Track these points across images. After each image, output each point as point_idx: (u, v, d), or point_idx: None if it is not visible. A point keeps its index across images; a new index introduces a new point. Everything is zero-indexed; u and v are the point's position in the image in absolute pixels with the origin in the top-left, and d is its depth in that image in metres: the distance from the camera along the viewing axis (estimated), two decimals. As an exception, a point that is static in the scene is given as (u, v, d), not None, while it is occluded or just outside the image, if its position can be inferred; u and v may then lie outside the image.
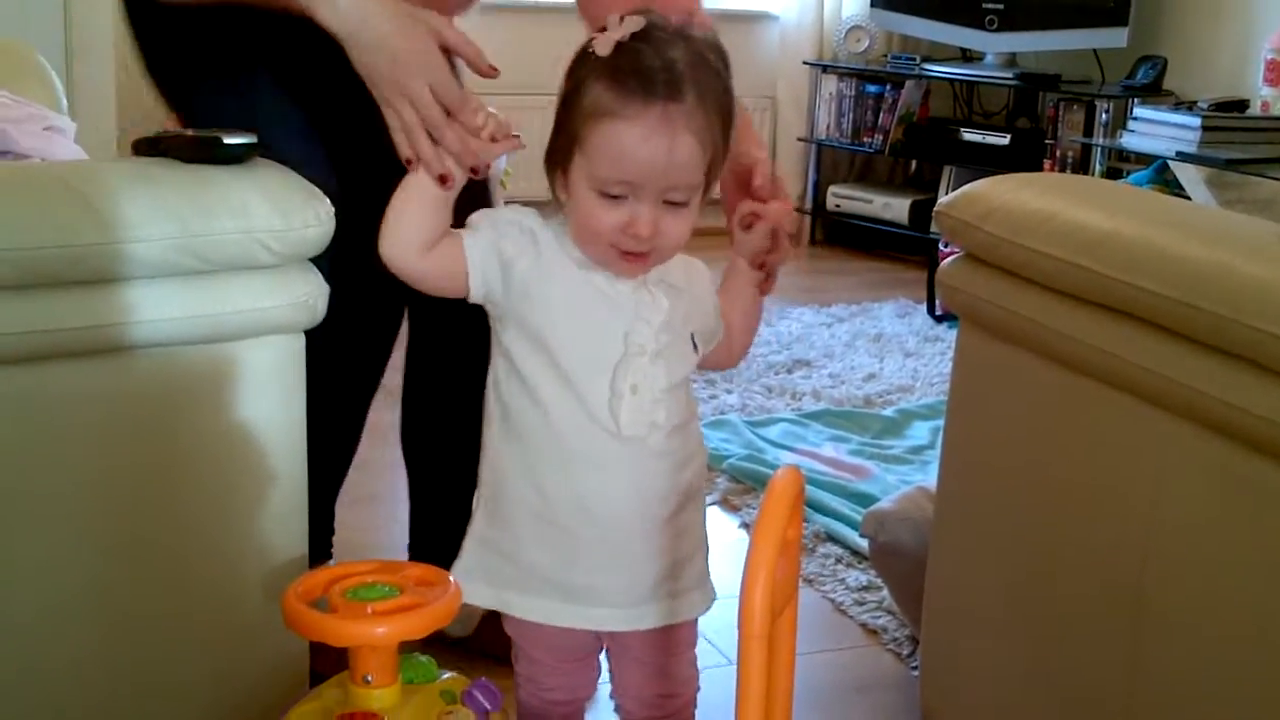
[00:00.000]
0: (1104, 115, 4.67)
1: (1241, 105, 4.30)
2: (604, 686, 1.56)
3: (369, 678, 1.32)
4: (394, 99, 1.46)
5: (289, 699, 1.38)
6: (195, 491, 1.59)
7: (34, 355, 1.47)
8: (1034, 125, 5.06)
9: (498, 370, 1.42)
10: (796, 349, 3.86)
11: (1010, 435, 1.74)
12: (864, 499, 2.67)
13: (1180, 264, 1.47)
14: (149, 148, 1.62)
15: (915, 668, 2.13)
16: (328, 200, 1.60)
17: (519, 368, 1.38)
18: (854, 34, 5.33)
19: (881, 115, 5.24)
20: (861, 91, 5.29)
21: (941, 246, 3.88)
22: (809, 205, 5.41)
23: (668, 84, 1.29)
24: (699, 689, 1.80)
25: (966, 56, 5.26)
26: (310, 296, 1.61)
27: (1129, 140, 4.38)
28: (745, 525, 2.68)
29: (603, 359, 1.36)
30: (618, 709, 1.54)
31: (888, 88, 5.23)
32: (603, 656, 1.53)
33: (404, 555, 2.21)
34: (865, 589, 2.44)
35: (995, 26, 4.95)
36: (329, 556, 2.15)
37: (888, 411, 3.40)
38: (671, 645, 1.47)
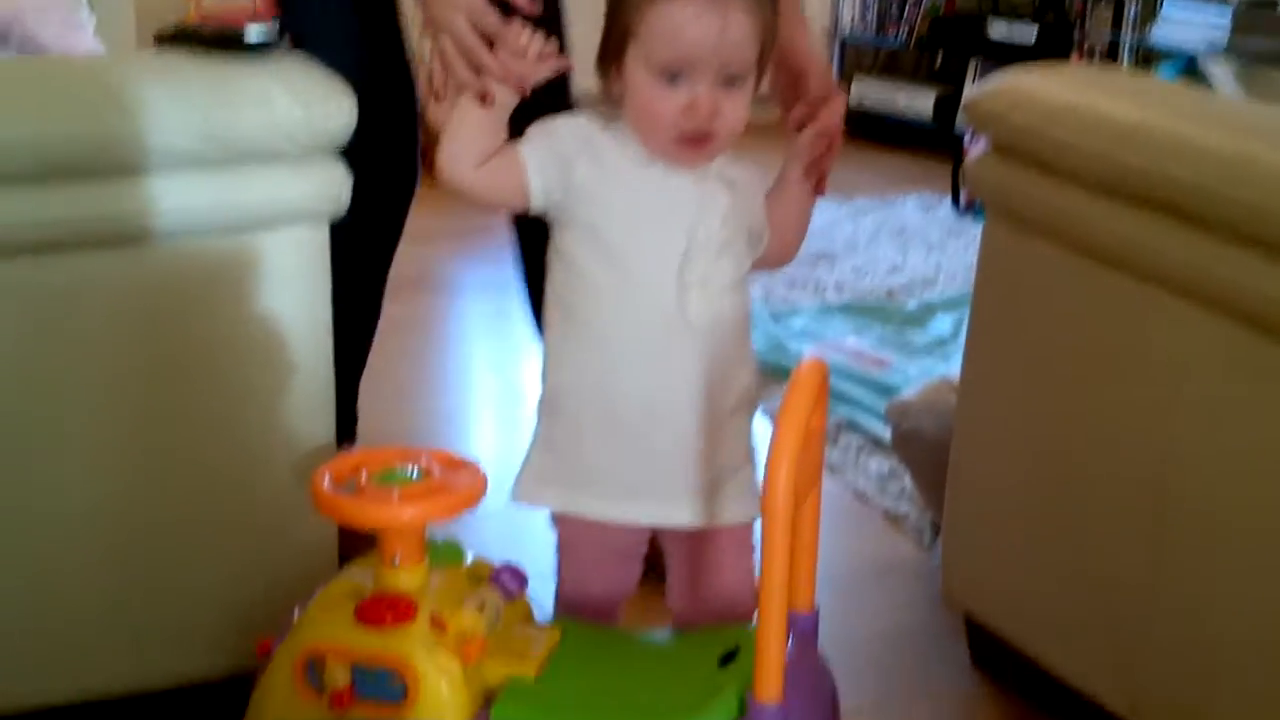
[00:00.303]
0: (1133, 9, 4.60)
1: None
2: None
3: (397, 560, 1.33)
4: (434, 32, 1.47)
5: (318, 582, 1.40)
6: (220, 382, 1.60)
7: (56, 246, 1.48)
8: (1062, 19, 4.98)
9: (556, 276, 1.42)
10: (820, 242, 3.85)
11: (1034, 325, 1.74)
12: (886, 390, 2.68)
13: (1208, 154, 1.47)
14: (171, 39, 1.61)
15: (936, 555, 2.15)
16: (350, 91, 1.60)
17: (582, 269, 1.39)
18: (881, -76, 5.25)
19: (907, 8, 5.17)
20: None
21: (966, 141, 3.86)
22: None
23: None
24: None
25: (994, -53, 5.18)
26: (333, 187, 1.61)
27: (1158, 34, 4.32)
28: (769, 415, 2.69)
29: (668, 254, 1.37)
30: (673, 616, 1.55)
31: (914, -21, 5.16)
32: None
33: (430, 442, 2.23)
34: (887, 477, 2.46)
35: (1024, -84, 4.87)
36: (352, 440, 2.17)
37: (910, 304, 3.40)
38: (721, 550, 1.48)
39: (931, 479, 2.07)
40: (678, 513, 1.44)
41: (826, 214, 4.16)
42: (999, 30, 4.97)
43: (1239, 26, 4.03)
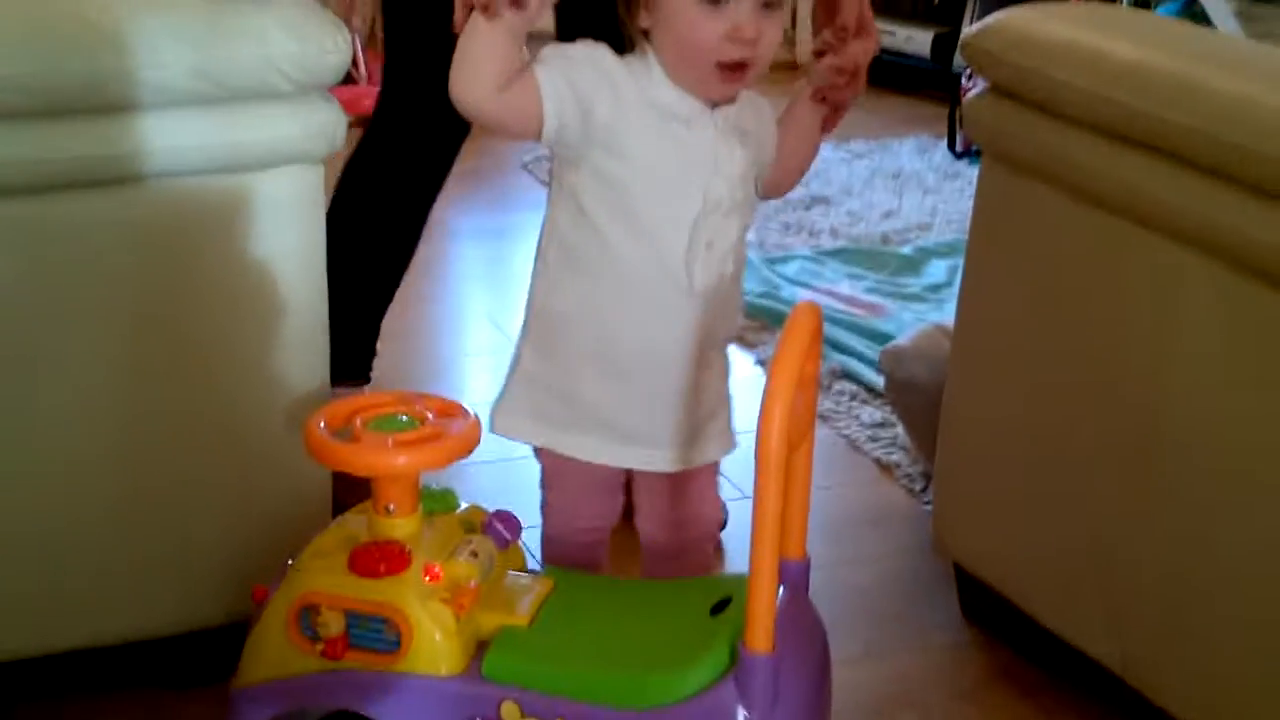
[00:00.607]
0: (1134, -56, 4.56)
1: (1275, -65, 4.19)
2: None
3: (391, 507, 1.33)
4: None
5: (313, 529, 1.40)
6: (212, 324, 1.60)
7: (47, 185, 1.47)
8: (1062, -46, 4.94)
9: (559, 212, 1.40)
10: (814, 185, 3.81)
11: (1029, 270, 1.74)
12: (880, 336, 2.67)
13: (1206, 96, 1.46)
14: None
15: (928, 503, 2.15)
16: (345, 28, 1.58)
17: (590, 212, 1.36)
18: None
19: (905, -57, 5.12)
20: (885, -82, 5.17)
21: (965, 81, 3.83)
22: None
23: None
24: (724, 524, 1.83)
25: (994, -120, 5.12)
26: (328, 125, 1.60)
27: (1158, -29, 4.27)
28: (761, 362, 2.69)
29: (682, 214, 1.35)
30: (642, 536, 1.56)
31: (912, -87, 5.10)
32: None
33: (424, 388, 2.23)
34: (879, 425, 2.46)
35: None
36: (367, 379, 2.17)
37: (905, 249, 3.38)
38: (692, 480, 1.49)
39: (924, 427, 2.07)
40: (663, 458, 1.44)
41: (822, 157, 4.06)
42: (997, -30, 4.93)
43: (1239, -35, 3.99)
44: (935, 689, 1.83)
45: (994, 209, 1.81)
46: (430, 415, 1.37)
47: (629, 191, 1.35)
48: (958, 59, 4.42)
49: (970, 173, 3.64)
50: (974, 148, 3.85)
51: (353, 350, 2.10)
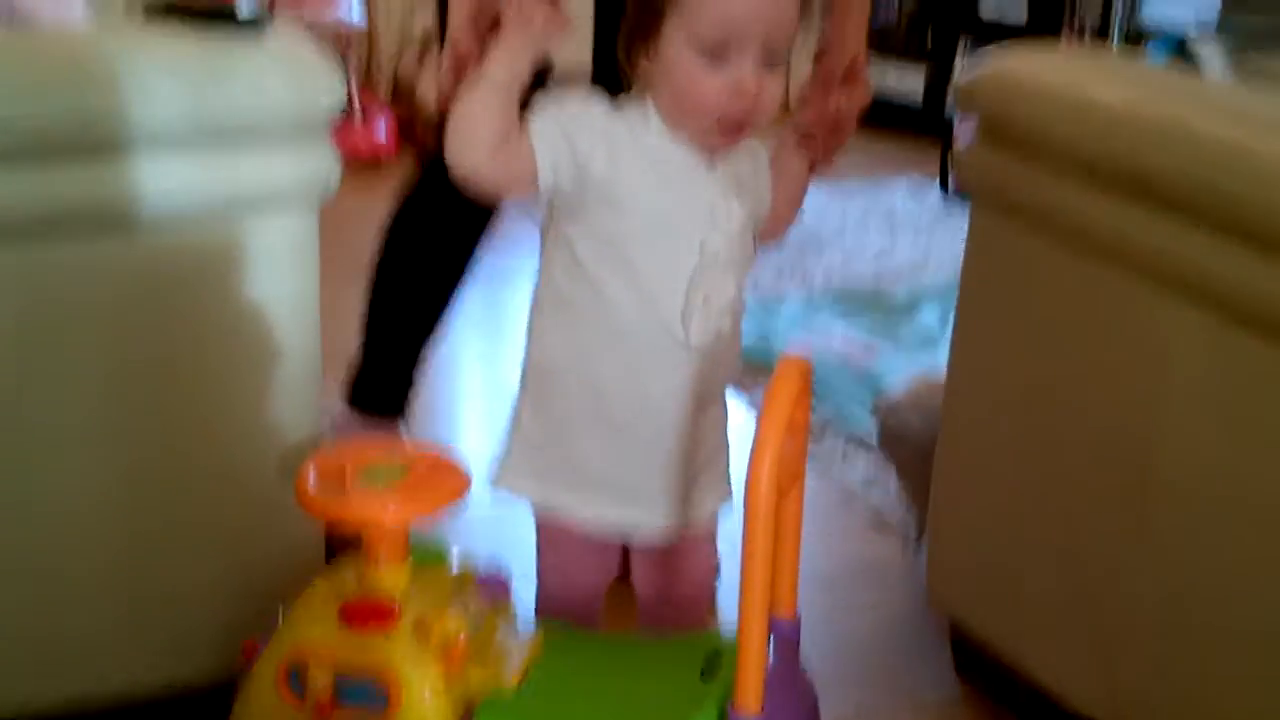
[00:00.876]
0: (1124, -15, 4.59)
1: (1266, -20, 4.22)
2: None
3: (381, 559, 1.32)
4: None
5: (306, 576, 1.38)
6: (205, 368, 1.58)
7: (40, 229, 1.46)
8: (1053, -5, 4.96)
9: (555, 263, 1.38)
10: (808, 227, 3.83)
11: (1020, 318, 1.74)
12: (874, 382, 2.67)
13: (1196, 142, 1.46)
14: (160, 12, 1.58)
15: (921, 553, 2.14)
16: (340, 72, 1.58)
17: (586, 266, 1.35)
18: (873, -99, 5.21)
19: (897, -16, 5.15)
20: (878, -38, 5.19)
21: (956, 123, 3.84)
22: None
23: None
24: (719, 572, 1.81)
25: (987, -77, 5.15)
26: (323, 168, 1.59)
27: (1149, 12, 4.31)
28: (754, 406, 2.67)
29: (679, 269, 1.34)
30: (638, 589, 1.55)
31: (904, -43, 5.14)
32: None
33: (414, 436, 2.23)
34: (874, 475, 2.45)
35: (1017, -105, 4.84)
36: (402, 414, 2.16)
37: (899, 292, 3.39)
38: (690, 539, 1.47)
39: (917, 478, 2.06)
40: (659, 517, 1.42)
41: (814, 199, 4.07)
42: (990, 8, 4.94)
43: (1230, 5, 4.01)
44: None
45: (984, 255, 1.81)
46: (421, 465, 1.36)
47: (625, 244, 1.33)
48: (950, 101, 4.44)
49: (963, 214, 3.65)
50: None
51: (390, 385, 2.09)
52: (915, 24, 5.19)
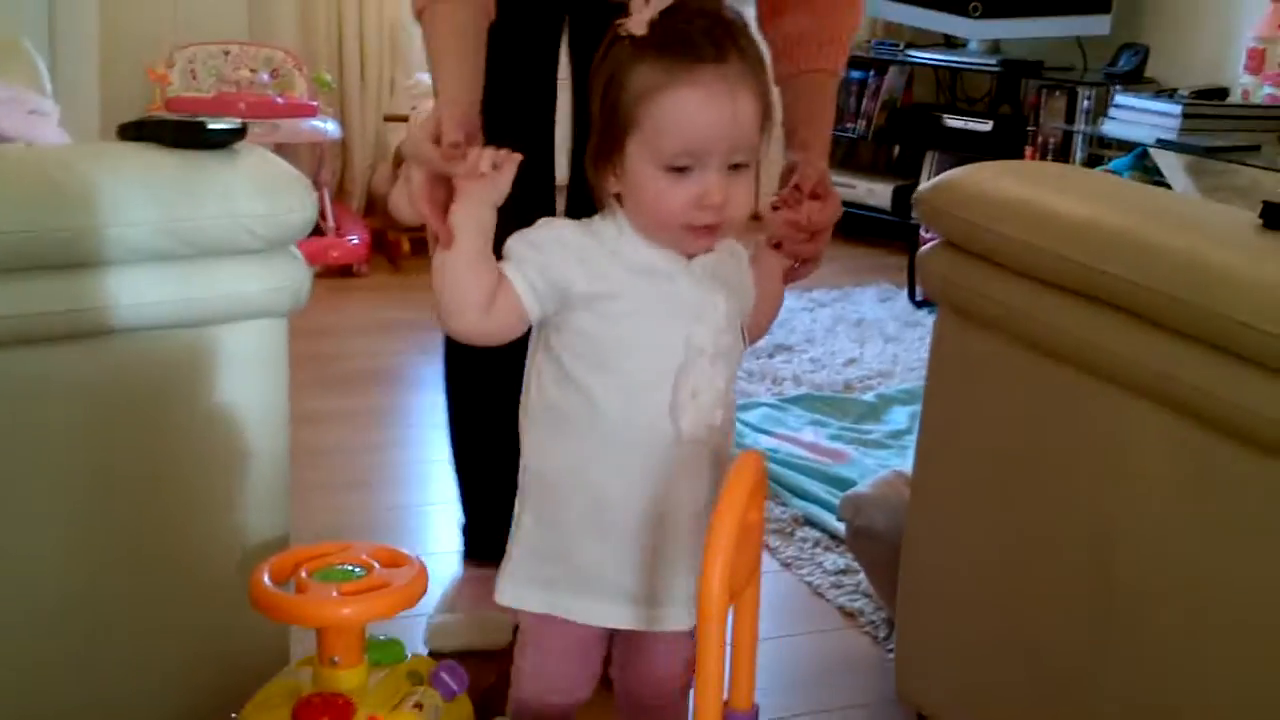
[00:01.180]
0: (1086, 102, 4.69)
1: (1222, 93, 4.32)
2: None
3: (336, 659, 1.32)
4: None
5: (268, 675, 1.39)
6: (176, 475, 1.60)
7: (14, 339, 1.48)
8: (1016, 112, 5.07)
9: (544, 373, 1.40)
10: (778, 333, 3.87)
11: (985, 420, 1.76)
12: (842, 483, 2.69)
13: (1154, 252, 1.48)
14: (133, 132, 1.62)
15: (891, 650, 2.14)
16: (311, 186, 1.61)
17: (573, 374, 1.36)
18: (838, 19, 5.32)
19: (865, 101, 5.25)
20: (845, 77, 5.26)
21: (923, 232, 3.90)
22: (792, 190, 5.40)
23: (715, 46, 1.29)
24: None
25: (950, 43, 5.26)
26: (294, 280, 1.62)
27: (1110, 127, 4.40)
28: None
29: (664, 366, 1.35)
30: (617, 687, 1.54)
31: (871, 73, 5.25)
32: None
33: (380, 539, 2.22)
34: (842, 572, 2.46)
35: (979, 13, 4.96)
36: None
37: (867, 396, 3.42)
38: (677, 635, 1.47)
39: (885, 575, 2.07)
40: (669, 615, 1.42)
41: (785, 305, 4.16)
42: (955, 123, 5.05)
43: (1189, 119, 4.11)
44: None
45: (949, 359, 1.84)
46: (376, 565, 1.37)
47: (610, 346, 1.35)
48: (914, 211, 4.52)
49: (930, 321, 3.69)
50: (934, 297, 3.91)
51: (490, 528, 2.09)
52: (883, 139, 5.28)
